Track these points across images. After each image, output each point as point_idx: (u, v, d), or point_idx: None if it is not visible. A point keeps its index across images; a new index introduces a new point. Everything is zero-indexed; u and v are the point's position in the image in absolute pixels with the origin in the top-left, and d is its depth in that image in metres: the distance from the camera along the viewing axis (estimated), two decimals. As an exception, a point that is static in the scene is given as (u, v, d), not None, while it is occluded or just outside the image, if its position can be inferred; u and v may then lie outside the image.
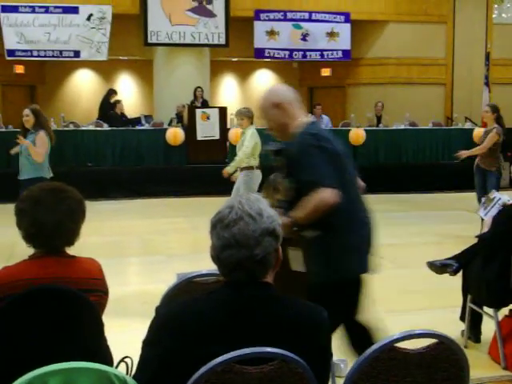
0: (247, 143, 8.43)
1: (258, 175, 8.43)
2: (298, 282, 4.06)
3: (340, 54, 18.04)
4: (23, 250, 3.07)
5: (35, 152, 7.62)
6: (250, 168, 8.43)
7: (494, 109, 9.27)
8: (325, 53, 17.96)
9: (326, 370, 2.25)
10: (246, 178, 8.39)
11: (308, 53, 17.89)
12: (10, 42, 15.82)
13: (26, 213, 2.86)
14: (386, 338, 2.13)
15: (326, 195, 3.29)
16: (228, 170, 8.54)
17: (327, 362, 2.25)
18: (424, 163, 15.46)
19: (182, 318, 2.11)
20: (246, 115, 8.59)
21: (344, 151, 3.59)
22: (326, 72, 20.24)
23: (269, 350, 2.01)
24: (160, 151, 14.56)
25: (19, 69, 18.58)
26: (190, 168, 13.95)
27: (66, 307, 2.66)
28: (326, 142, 3.49)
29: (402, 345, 2.15)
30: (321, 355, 2.17)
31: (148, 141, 14.49)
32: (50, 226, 2.82)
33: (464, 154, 9.57)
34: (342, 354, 4.28)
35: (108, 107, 16.00)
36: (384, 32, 19.12)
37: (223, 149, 14.73)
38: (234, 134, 14.67)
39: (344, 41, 17.93)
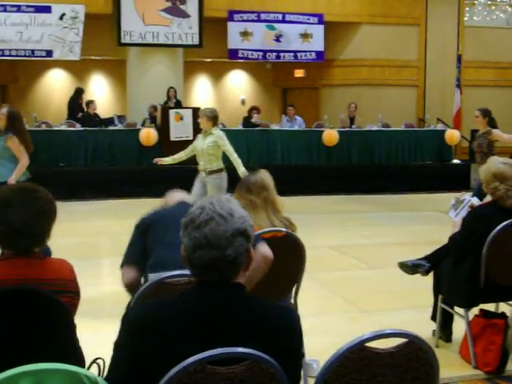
0: (228, 146, 8.30)
1: (225, 177, 8.29)
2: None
3: (313, 56, 18.10)
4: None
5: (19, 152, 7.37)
6: (220, 170, 8.27)
7: (485, 113, 9.08)
8: (298, 54, 18.00)
9: (298, 370, 2.26)
10: (217, 181, 8.22)
11: (281, 54, 17.92)
12: (-19, 41, 15.67)
13: None
14: (357, 338, 2.14)
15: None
16: (242, 171, 8.17)
17: (299, 362, 2.26)
18: (396, 164, 15.55)
19: (153, 319, 2.11)
20: (206, 115, 8.26)
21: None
22: (299, 73, 20.30)
23: (240, 350, 2.01)
24: (133, 152, 14.48)
25: (-10, 68, 18.42)
26: (164, 169, 13.89)
27: (37, 308, 2.65)
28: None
29: (372, 344, 2.16)
30: (292, 355, 2.18)
31: (121, 141, 14.41)
32: (19, 225, 2.80)
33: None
34: (314, 354, 4.31)
35: (76, 106, 15.94)
36: (357, 34, 19.23)
37: (197, 149, 14.69)
38: (207, 134, 14.65)
39: (317, 42, 17.99)
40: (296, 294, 4.39)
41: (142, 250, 3.27)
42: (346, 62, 19.37)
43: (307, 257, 4.27)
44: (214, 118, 8.22)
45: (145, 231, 3.63)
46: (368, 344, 2.15)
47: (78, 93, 16.49)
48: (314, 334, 4.03)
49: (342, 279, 7.37)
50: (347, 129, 15.93)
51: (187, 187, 5.19)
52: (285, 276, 4.27)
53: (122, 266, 3.48)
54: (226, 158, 8.37)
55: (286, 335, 2.16)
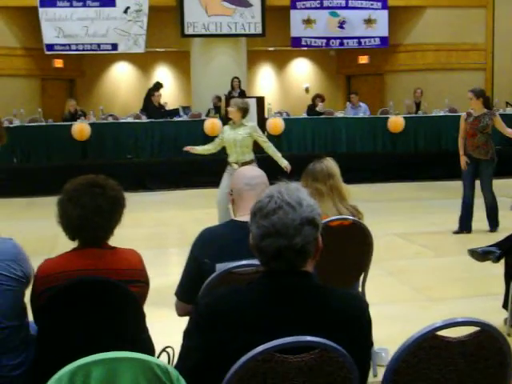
0: (265, 137, 8.23)
1: None
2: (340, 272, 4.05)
3: (378, 41, 17.88)
4: (65, 243, 3.11)
5: None
6: (252, 161, 8.05)
7: (478, 93, 8.76)
8: (362, 40, 17.81)
9: (367, 358, 2.24)
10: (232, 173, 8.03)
11: (345, 40, 17.76)
12: (49, 37, 15.99)
13: (67, 206, 2.91)
14: (428, 326, 2.11)
15: None
16: (286, 164, 8.23)
17: (368, 350, 2.24)
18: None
19: (222, 308, 2.12)
20: (237, 106, 8.03)
21: None
22: (363, 59, 20.11)
23: (309, 338, 2.00)
24: (198, 142, 14.51)
25: (58, 63, 18.79)
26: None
27: (108, 298, 2.70)
28: None
29: (443, 333, 2.13)
30: (361, 344, 2.16)
31: (186, 132, 14.54)
32: (96, 219, 2.86)
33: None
34: (383, 343, 4.28)
35: (149, 99, 16.10)
36: (422, 18, 18.90)
37: (261, 139, 14.71)
38: (272, 123, 14.67)
39: (381, 27, 17.75)
40: (364, 282, 4.36)
41: (199, 287, 3.10)
42: (411, 46, 19.07)
43: (374, 245, 4.23)
44: (244, 109, 8.01)
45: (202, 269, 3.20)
46: (439, 332, 2.12)
47: (156, 86, 16.64)
48: (382, 322, 3.99)
49: (410, 267, 7.28)
50: (413, 115, 15.71)
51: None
52: (352, 264, 4.25)
53: (177, 296, 3.30)
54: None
55: (355, 323, 2.15)
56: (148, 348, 2.82)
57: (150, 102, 15.64)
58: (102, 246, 2.94)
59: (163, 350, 2.90)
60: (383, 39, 17.89)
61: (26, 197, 12.75)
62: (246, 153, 8.10)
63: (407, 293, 6.34)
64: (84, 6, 16.06)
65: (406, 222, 9.67)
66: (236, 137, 8.02)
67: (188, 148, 8.46)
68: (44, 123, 14.73)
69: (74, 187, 2.94)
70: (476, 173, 8.79)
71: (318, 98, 16.06)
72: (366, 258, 4.24)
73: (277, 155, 8.26)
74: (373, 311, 2.26)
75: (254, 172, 3.44)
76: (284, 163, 8.14)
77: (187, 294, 3.16)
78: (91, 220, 2.87)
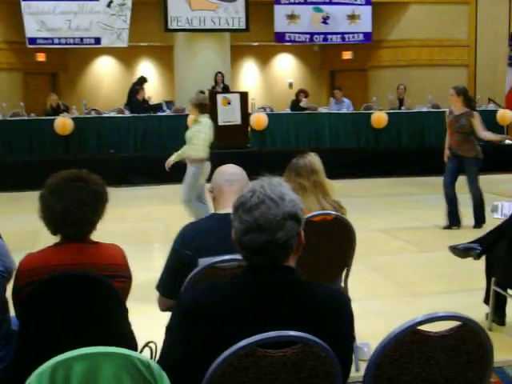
0: (203, 133, 8.01)
1: (206, 166, 8.03)
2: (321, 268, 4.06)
3: (361, 37, 17.91)
4: (48, 237, 3.10)
5: None
6: (200, 160, 8.03)
7: (460, 91, 8.76)
8: (346, 36, 17.84)
9: (349, 353, 2.25)
10: (193, 170, 8.03)
11: (329, 36, 17.78)
12: (31, 30, 15.87)
13: (42, 199, 2.91)
14: (409, 321, 2.12)
15: None
16: (168, 161, 8.19)
17: (350, 345, 2.25)
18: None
19: (205, 303, 2.12)
20: (193, 102, 8.12)
21: None
22: (347, 55, 20.15)
23: (292, 333, 2.01)
24: (182, 137, 14.50)
25: (41, 57, 18.69)
26: (212, 153, 13.92)
27: (90, 293, 2.69)
28: None
29: (425, 327, 2.14)
30: (344, 338, 2.17)
31: (170, 127, 14.50)
32: (58, 213, 2.85)
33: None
34: (365, 338, 4.29)
35: (134, 94, 16.02)
36: (405, 14, 18.96)
37: (245, 134, 14.73)
38: (255, 119, 14.66)
39: (365, 23, 17.78)
40: (346, 277, 4.37)
41: (181, 280, 3.08)
42: (395, 42, 19.12)
43: (357, 240, 4.24)
44: (199, 105, 8.03)
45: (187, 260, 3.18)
46: (420, 327, 2.13)
47: (140, 81, 16.56)
48: (365, 317, 4.00)
49: (393, 262, 7.31)
50: (396, 110, 15.76)
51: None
52: (335, 259, 4.26)
53: (158, 291, 3.32)
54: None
55: (337, 318, 2.15)
56: (130, 343, 2.81)
57: (135, 97, 15.57)
58: (84, 241, 2.93)
59: (146, 345, 2.89)
60: (367, 35, 17.93)
61: (8, 191, 12.67)
62: (196, 149, 8.04)
63: (390, 288, 6.37)
64: (67, -1, 15.96)
65: (389, 217, 9.70)
66: (188, 133, 8.12)
67: (168, 165, 8.41)
68: (26, 117, 14.64)
69: (57, 181, 2.93)
70: (459, 169, 8.81)
71: (301, 93, 16.06)
72: (348, 253, 4.25)
73: (184, 150, 8.16)
74: (355, 306, 2.27)
75: (234, 169, 3.50)
76: (169, 159, 8.20)
77: (169, 288, 3.18)
78: (74, 214, 2.86)
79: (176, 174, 13.60)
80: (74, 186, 2.90)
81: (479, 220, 8.75)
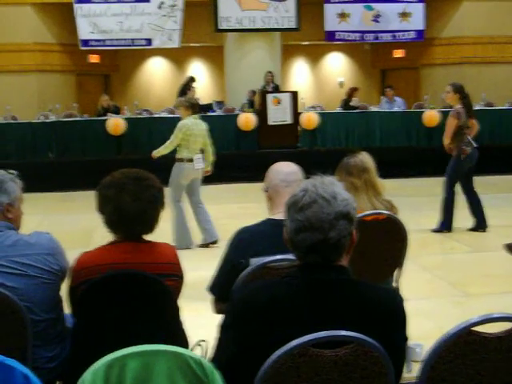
0: (173, 135, 8.15)
1: (186, 168, 8.07)
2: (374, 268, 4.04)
3: (413, 35, 17.70)
4: (102, 236, 3.14)
5: None
6: (180, 160, 8.08)
7: (457, 88, 8.49)
8: (397, 34, 17.65)
9: (402, 354, 2.22)
10: (174, 170, 8.11)
11: (380, 34, 17.62)
12: (84, 32, 16.11)
13: (109, 199, 2.90)
14: (464, 322, 2.09)
15: None
16: (154, 153, 8.34)
17: (403, 345, 2.22)
18: (501, 144, 15.06)
19: (257, 302, 2.13)
20: (181, 104, 8.27)
21: None
22: (398, 53, 19.96)
23: (344, 333, 2.00)
24: (232, 137, 14.63)
25: (93, 58, 18.96)
26: (262, 153, 13.98)
27: (144, 291, 2.72)
28: None
29: (480, 329, 2.11)
30: (397, 339, 2.15)
31: (220, 126, 14.53)
32: (133, 213, 2.86)
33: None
34: (417, 339, 4.25)
35: (184, 94, 16.11)
36: (458, 10, 18.68)
37: (295, 133, 14.71)
38: (305, 118, 14.63)
39: (417, 21, 17.56)
40: (399, 277, 4.33)
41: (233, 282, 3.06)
42: (447, 40, 18.85)
43: (409, 240, 4.20)
44: (191, 106, 8.20)
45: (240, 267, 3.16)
46: (475, 328, 2.10)
47: (189, 81, 16.67)
48: (417, 317, 3.95)
49: (446, 262, 7.23)
50: (449, 109, 15.53)
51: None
52: (387, 259, 4.22)
53: (212, 294, 3.29)
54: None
55: (390, 318, 2.14)
56: (182, 341, 2.83)
57: (184, 96, 15.64)
58: (138, 240, 2.95)
59: (197, 343, 2.91)
60: (418, 32, 17.71)
61: (62, 191, 12.88)
62: (178, 150, 8.20)
63: (442, 288, 6.29)
64: (119, 1, 16.14)
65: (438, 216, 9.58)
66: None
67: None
68: (79, 118, 14.85)
69: (123, 180, 2.93)
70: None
71: (353, 90, 15.98)
72: (400, 252, 4.21)
73: (161, 148, 8.34)
74: (407, 306, 2.25)
75: (290, 168, 3.40)
76: (155, 153, 8.34)
77: (224, 293, 3.15)
78: (145, 212, 2.89)
79: (226, 174, 13.72)
80: (142, 184, 2.92)
81: (443, 223, 8.55)
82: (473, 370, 2.12)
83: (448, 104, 15.55)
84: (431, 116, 14.86)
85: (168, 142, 8.24)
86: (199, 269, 5.40)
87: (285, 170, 3.37)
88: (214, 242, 7.93)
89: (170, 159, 8.29)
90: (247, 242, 3.15)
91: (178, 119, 8.43)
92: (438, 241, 8.21)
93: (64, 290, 2.98)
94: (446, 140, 8.47)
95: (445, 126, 8.69)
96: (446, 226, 8.51)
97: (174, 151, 8.29)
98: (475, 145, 8.57)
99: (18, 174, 3.08)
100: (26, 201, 3.11)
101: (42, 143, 14.16)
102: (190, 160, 8.08)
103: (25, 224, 3.14)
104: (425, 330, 4.30)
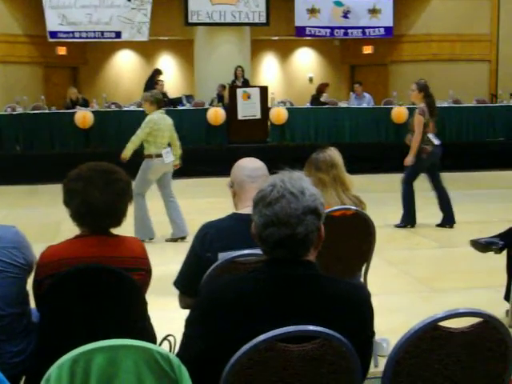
0: (139, 130, 8.08)
1: (156, 164, 8.04)
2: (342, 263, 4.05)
3: (382, 31, 17.81)
4: (69, 230, 3.11)
5: None
6: (149, 156, 8.05)
7: (421, 87, 8.66)
8: (366, 30, 17.73)
9: (369, 348, 2.24)
10: (143, 165, 8.08)
11: (349, 30, 17.69)
12: (52, 24, 15.93)
13: (76, 192, 2.87)
14: (430, 317, 2.11)
15: None
16: (124, 155, 8.10)
17: (370, 340, 2.24)
18: (468, 141, 15.22)
19: (224, 297, 2.12)
20: (146, 99, 8.21)
21: None
22: (367, 49, 20.06)
23: (311, 328, 2.00)
24: (201, 131, 14.60)
25: (62, 50, 18.77)
26: (232, 148, 13.97)
27: (111, 286, 2.70)
28: None
29: (445, 324, 2.13)
30: (363, 334, 2.16)
31: (189, 121, 14.52)
32: (101, 206, 2.84)
33: (409, 160, 8.63)
34: (384, 333, 4.28)
35: (152, 87, 16.03)
36: (427, 8, 18.83)
37: (264, 128, 14.73)
38: (275, 113, 14.65)
39: (386, 17, 17.67)
40: (366, 272, 4.35)
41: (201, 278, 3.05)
42: (416, 37, 19.00)
43: (377, 235, 4.22)
44: (156, 101, 8.16)
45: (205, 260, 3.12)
46: (441, 323, 2.12)
47: (155, 73, 16.59)
48: (383, 312, 3.99)
49: (412, 258, 7.28)
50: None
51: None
52: (354, 254, 4.24)
53: (178, 289, 3.27)
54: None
55: (357, 313, 2.15)
56: (149, 336, 2.82)
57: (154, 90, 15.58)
58: (105, 234, 2.93)
59: (164, 338, 2.90)
60: (388, 29, 17.82)
61: (29, 184, 12.76)
62: (145, 147, 8.14)
63: (409, 283, 6.34)
64: (88, -7, 15.99)
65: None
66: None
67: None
68: (47, 111, 14.71)
69: (90, 173, 2.90)
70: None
71: (324, 86, 16.03)
72: (368, 248, 4.24)
73: (127, 146, 8.18)
74: (374, 302, 2.26)
75: (255, 164, 3.39)
76: (124, 154, 8.09)
77: (190, 287, 3.14)
78: (112, 206, 2.87)
79: (194, 169, 13.70)
80: (110, 177, 2.90)
81: (404, 220, 8.65)
82: (439, 365, 2.14)
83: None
84: (400, 112, 14.96)
85: (134, 136, 8.16)
86: (167, 263, 5.39)
87: (250, 166, 3.37)
88: (183, 238, 7.91)
89: (139, 153, 8.22)
90: (212, 236, 3.14)
91: (144, 112, 8.38)
92: (405, 236, 8.27)
93: (30, 283, 2.95)
94: (418, 137, 8.46)
95: (409, 126, 8.69)
96: (408, 221, 8.58)
97: (142, 148, 8.22)
98: (437, 142, 8.65)
99: None
100: (-9, 194, 3.07)
101: (8, 136, 14.00)
102: (159, 155, 8.04)
103: (-10, 217, 3.10)
104: (391, 325, 4.33)
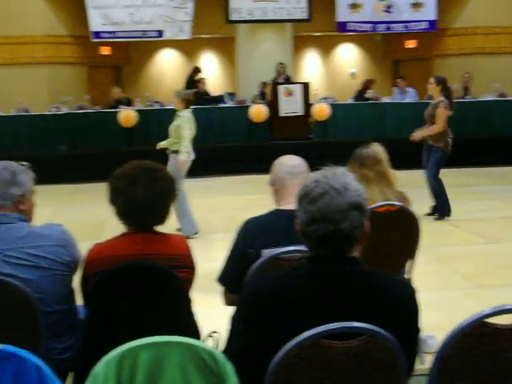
0: (185, 130, 8.28)
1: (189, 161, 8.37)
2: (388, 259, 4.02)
3: (425, 25, 17.58)
4: (113, 228, 3.14)
5: None
6: (177, 152, 8.28)
7: (439, 81, 8.87)
8: (409, 24, 17.53)
9: (415, 345, 2.22)
10: (173, 161, 8.25)
11: (392, 25, 17.51)
12: (96, 24, 16.09)
13: (121, 191, 2.90)
14: (477, 314, 2.08)
15: None
16: (181, 160, 8.30)
17: (415, 337, 2.22)
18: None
19: (269, 293, 2.12)
20: (180, 96, 8.47)
21: None
22: (410, 44, 19.84)
23: (356, 324, 1.99)
24: (243, 128, 14.62)
25: (105, 50, 18.95)
26: (274, 144, 13.96)
27: (156, 283, 2.72)
28: None
29: (492, 320, 2.10)
30: (409, 330, 2.14)
31: (231, 118, 14.56)
32: (145, 204, 2.86)
33: (417, 136, 9.07)
34: (430, 330, 4.24)
35: (192, 85, 16.11)
36: (471, 0, 18.56)
37: (306, 124, 14.68)
38: (317, 109, 14.60)
39: (429, 11, 17.44)
40: (411, 268, 4.32)
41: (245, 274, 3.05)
42: (460, 30, 18.72)
43: (422, 231, 4.18)
44: (187, 100, 8.40)
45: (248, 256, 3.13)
46: (488, 320, 2.09)
47: (195, 71, 16.68)
48: (429, 309, 3.93)
49: (458, 254, 7.20)
50: (461, 99, 15.47)
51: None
52: (399, 251, 4.21)
53: (222, 285, 3.30)
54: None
55: (403, 309, 2.13)
56: (194, 333, 2.83)
57: (195, 88, 15.69)
58: (151, 232, 2.95)
59: (209, 334, 2.91)
60: (431, 22, 17.59)
61: (74, 183, 12.93)
62: (175, 143, 8.34)
63: (455, 280, 6.27)
64: (130, -7, 16.12)
65: (453, 208, 9.52)
66: (171, 126, 8.46)
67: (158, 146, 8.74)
68: (91, 110, 14.88)
69: (135, 171, 2.94)
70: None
71: (370, 82, 15.94)
72: (413, 244, 4.20)
73: (182, 148, 8.25)
74: (420, 298, 2.24)
75: (295, 161, 3.41)
76: (179, 157, 8.25)
77: (233, 284, 3.16)
78: (160, 204, 2.90)
79: (237, 166, 13.74)
80: (154, 175, 2.92)
81: (439, 211, 8.77)
82: (486, 362, 2.11)
83: (460, 95, 15.56)
84: (444, 107, 14.75)
85: (186, 142, 8.28)
86: (212, 260, 5.42)
87: (290, 163, 3.39)
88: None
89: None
90: (255, 232, 3.16)
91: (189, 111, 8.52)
92: (450, 232, 8.18)
93: (76, 281, 2.99)
94: (441, 129, 8.71)
95: (427, 117, 8.99)
96: (445, 212, 8.77)
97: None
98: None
99: (29, 165, 3.09)
100: (37, 193, 3.12)
101: (53, 135, 14.20)
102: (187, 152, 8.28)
103: (37, 216, 3.15)
104: (436, 321, 4.28)
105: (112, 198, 2.94)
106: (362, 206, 2.12)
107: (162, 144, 8.65)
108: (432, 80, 8.92)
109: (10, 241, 2.84)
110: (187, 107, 8.40)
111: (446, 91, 8.82)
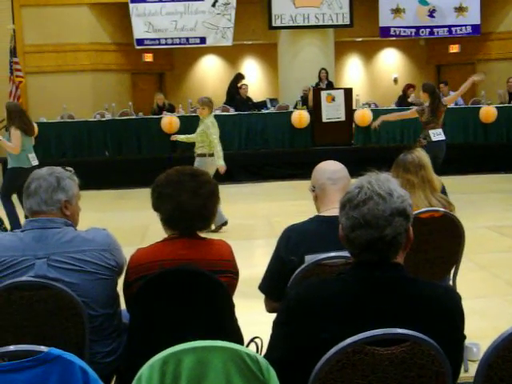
0: (213, 135, 8.73)
1: (210, 162, 8.69)
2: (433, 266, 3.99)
3: (469, 29, 17.39)
4: (155, 233, 3.16)
5: (6, 146, 8.36)
6: (203, 155, 8.78)
7: (425, 88, 9.48)
8: (453, 28, 17.35)
9: (459, 352, 2.19)
10: (197, 164, 8.54)
11: (435, 29, 17.35)
12: (139, 32, 16.26)
13: (167, 197, 2.93)
14: (523, 321, 2.05)
15: None
16: (221, 165, 8.78)
17: (460, 344, 2.19)
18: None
19: (312, 299, 2.12)
20: (207, 104, 8.91)
21: None
22: (454, 48, 19.65)
23: (400, 331, 1.98)
24: (286, 134, 14.61)
25: (148, 57, 19.13)
26: (316, 150, 13.94)
27: (199, 288, 2.73)
28: None
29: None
30: (454, 337, 2.12)
31: (274, 124, 14.56)
32: (192, 209, 2.88)
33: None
34: (474, 338, 4.18)
35: (235, 91, 16.18)
36: (515, 4, 18.32)
37: (349, 130, 14.62)
38: (360, 115, 14.53)
39: (473, 15, 17.24)
40: (455, 275, 4.27)
41: (286, 282, 3.05)
42: (504, 34, 18.48)
43: (466, 238, 4.13)
44: (209, 106, 8.92)
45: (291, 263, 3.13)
46: (535, 327, 2.06)
47: (237, 78, 16.75)
48: (473, 316, 3.90)
49: (503, 261, 7.09)
50: (506, 104, 15.26)
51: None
52: (443, 257, 4.17)
53: (263, 292, 3.29)
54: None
55: (448, 316, 2.11)
56: (237, 338, 2.84)
57: (237, 94, 15.74)
58: (194, 237, 2.97)
59: (252, 340, 2.92)
60: (475, 27, 17.39)
61: (118, 189, 13.07)
62: (200, 146, 8.86)
63: (500, 287, 6.18)
64: (173, 0, 16.26)
65: (498, 214, 9.41)
66: (197, 131, 8.94)
67: (173, 137, 9.94)
68: (134, 117, 15.03)
69: (181, 177, 2.97)
70: None
71: (410, 88, 15.81)
72: (457, 250, 4.15)
73: (218, 154, 8.75)
74: (464, 305, 2.22)
75: (336, 166, 3.38)
76: (220, 164, 8.73)
77: (275, 291, 3.15)
78: (206, 208, 2.92)
79: (279, 172, 13.74)
80: (199, 180, 2.95)
81: None
82: (532, 370, 2.08)
83: (504, 100, 15.36)
84: (488, 112, 14.61)
85: (218, 146, 8.77)
86: (254, 266, 5.43)
87: (330, 169, 3.36)
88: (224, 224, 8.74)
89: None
90: (296, 239, 3.14)
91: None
92: (495, 238, 8.07)
93: (120, 285, 3.02)
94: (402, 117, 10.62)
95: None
96: None
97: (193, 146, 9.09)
98: (436, 138, 9.50)
99: (74, 171, 3.13)
100: (82, 198, 3.16)
101: (97, 141, 14.38)
102: (211, 154, 8.75)
103: (82, 221, 3.19)
104: (481, 329, 4.24)
105: (157, 204, 2.96)
106: (406, 212, 2.10)
107: (178, 137, 9.60)
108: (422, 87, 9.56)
109: (56, 245, 2.88)
110: (210, 112, 8.91)
111: (433, 98, 9.41)
